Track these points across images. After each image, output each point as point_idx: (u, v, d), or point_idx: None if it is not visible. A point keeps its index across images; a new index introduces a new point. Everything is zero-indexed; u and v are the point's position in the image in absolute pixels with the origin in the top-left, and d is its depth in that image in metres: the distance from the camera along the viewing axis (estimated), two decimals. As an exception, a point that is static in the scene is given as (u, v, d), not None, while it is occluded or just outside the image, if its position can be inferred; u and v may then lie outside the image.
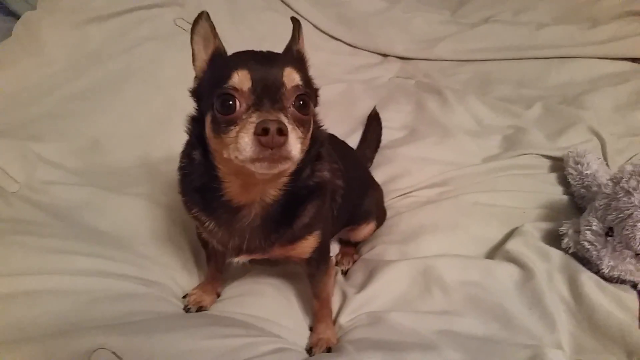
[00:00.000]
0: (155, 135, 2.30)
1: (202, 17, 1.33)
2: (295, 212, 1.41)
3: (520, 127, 2.70)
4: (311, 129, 1.29)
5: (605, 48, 3.33)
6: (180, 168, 1.47)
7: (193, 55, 1.37)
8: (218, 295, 1.83)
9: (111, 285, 1.59)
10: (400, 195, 2.32)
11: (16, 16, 2.37)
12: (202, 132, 1.30)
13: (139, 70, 2.39)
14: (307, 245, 1.50)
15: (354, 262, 2.07)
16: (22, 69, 2.24)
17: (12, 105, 2.15)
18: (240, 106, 1.17)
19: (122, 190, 2.03)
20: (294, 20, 1.44)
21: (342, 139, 2.19)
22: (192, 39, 1.35)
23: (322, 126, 1.45)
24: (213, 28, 1.34)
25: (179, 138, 1.45)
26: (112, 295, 1.55)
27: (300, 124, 1.21)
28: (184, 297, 1.78)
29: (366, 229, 2.05)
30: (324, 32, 3.50)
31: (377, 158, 2.57)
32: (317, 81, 1.39)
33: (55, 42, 2.30)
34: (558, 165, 2.40)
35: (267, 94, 1.17)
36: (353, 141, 2.61)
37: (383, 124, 2.73)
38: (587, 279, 1.69)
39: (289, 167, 1.21)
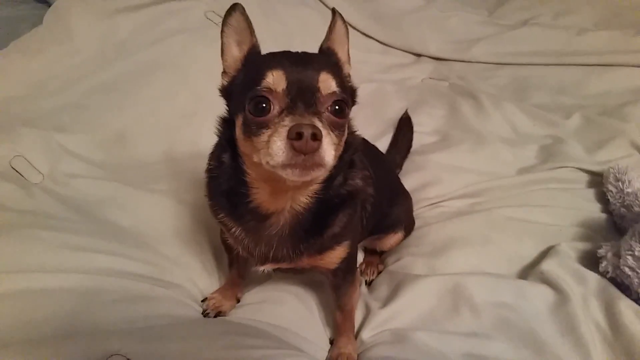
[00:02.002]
0: (181, 130, 2.26)
1: (237, 9, 1.26)
2: (325, 221, 1.36)
3: (558, 138, 2.60)
4: (346, 134, 1.23)
5: (650, 56, 3.17)
6: (208, 170, 1.42)
7: (222, 49, 1.30)
8: (238, 301, 1.79)
9: (129, 286, 1.55)
10: (430, 205, 2.24)
11: (48, 4, 2.34)
12: (232, 134, 1.24)
13: (167, 63, 2.35)
14: (336, 255, 1.44)
15: (379, 272, 2.00)
16: (50, 57, 2.21)
17: (39, 93, 2.13)
18: (273, 109, 1.11)
19: (146, 186, 1.99)
20: (334, 12, 1.35)
21: (372, 142, 2.12)
22: (222, 31, 1.28)
23: (356, 131, 1.38)
24: (249, 24, 1.28)
25: (205, 134, 1.41)
26: (129, 296, 1.51)
27: (335, 128, 1.15)
28: (203, 300, 1.74)
29: (393, 239, 1.99)
30: (355, 29, 3.40)
31: (407, 164, 2.49)
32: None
33: (85, 31, 2.28)
34: (597, 180, 2.30)
35: (302, 97, 1.11)
36: (382, 145, 2.54)
37: (414, 128, 2.65)
38: (626, 307, 1.59)
39: (321, 174, 1.15)
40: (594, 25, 3.55)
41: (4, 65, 2.13)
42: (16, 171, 1.79)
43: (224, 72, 1.32)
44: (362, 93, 1.40)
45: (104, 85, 2.23)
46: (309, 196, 1.30)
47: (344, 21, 1.35)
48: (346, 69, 1.35)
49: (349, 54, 1.38)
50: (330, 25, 1.34)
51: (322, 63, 1.22)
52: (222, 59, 1.31)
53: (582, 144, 2.54)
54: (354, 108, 1.35)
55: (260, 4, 2.90)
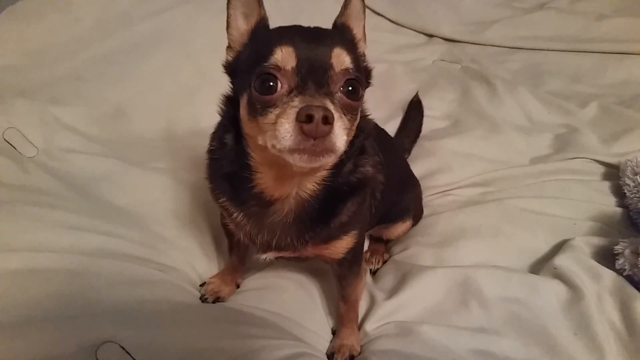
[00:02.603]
0: (182, 106, 2.20)
1: None
2: (333, 210, 1.29)
3: (573, 127, 2.53)
4: (358, 118, 1.16)
5: (671, 45, 3.08)
6: (210, 152, 1.35)
7: (228, 21, 1.22)
8: (237, 286, 1.74)
9: (124, 268, 1.49)
10: (439, 193, 2.18)
11: (46, -31, 2.24)
12: (236, 113, 1.17)
13: (170, 35, 2.27)
14: (342, 245, 1.38)
15: (384, 261, 1.94)
16: (48, 26, 2.14)
17: (36, 63, 2.06)
18: (281, 87, 1.04)
19: (144, 163, 1.93)
20: None
21: (380, 126, 2.04)
22: (229, 1, 1.20)
23: (369, 115, 1.30)
24: None
25: (208, 111, 1.34)
26: (124, 279, 1.46)
27: (348, 111, 1.08)
28: (202, 285, 1.69)
29: (401, 227, 1.92)
30: (365, 6, 3.29)
31: (416, 149, 2.43)
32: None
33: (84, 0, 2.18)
34: (612, 173, 2.23)
35: (313, 75, 1.03)
36: (390, 128, 2.48)
37: (424, 111, 2.56)
38: (643, 307, 1.54)
39: (331, 160, 1.07)
40: (612, 11, 3.45)
41: (-2, 32, 2.04)
42: (9, 144, 1.72)
43: (229, 47, 1.24)
44: (372, 73, 1.31)
45: (103, 57, 2.15)
46: (316, 183, 1.23)
47: None
48: (361, 47, 1.28)
49: (364, 32, 1.30)
50: (346, 2, 1.25)
51: (336, 38, 1.14)
52: (228, 32, 1.23)
53: (598, 134, 2.47)
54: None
55: (268, -23, 2.79)
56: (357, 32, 1.27)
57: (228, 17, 1.21)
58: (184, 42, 2.27)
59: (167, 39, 2.26)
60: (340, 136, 0.99)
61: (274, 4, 2.65)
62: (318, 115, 0.93)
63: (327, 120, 0.94)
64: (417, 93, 2.65)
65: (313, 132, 0.94)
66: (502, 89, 2.75)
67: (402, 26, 3.41)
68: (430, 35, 3.44)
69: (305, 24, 1.22)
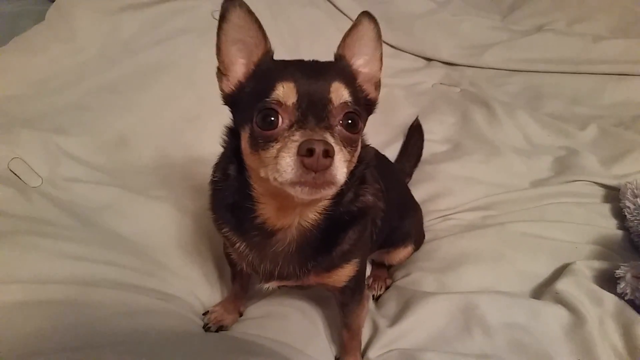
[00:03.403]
0: (184, 133, 2.20)
1: (237, 4, 1.14)
2: (335, 239, 1.30)
3: (573, 149, 2.53)
4: (359, 149, 1.17)
5: (668, 67, 3.10)
6: (213, 182, 1.36)
7: (218, 45, 1.20)
8: (240, 315, 1.75)
9: (129, 299, 1.50)
10: (440, 217, 2.19)
11: (50, 0, 2.29)
12: (239, 145, 1.18)
13: (171, 64, 2.28)
14: (344, 273, 1.38)
15: (387, 287, 1.94)
16: (52, 55, 2.15)
17: (39, 93, 2.06)
18: (282, 122, 1.05)
19: (147, 192, 1.93)
20: (364, 14, 1.26)
21: (380, 151, 2.05)
22: (219, 27, 1.17)
23: (369, 144, 1.32)
24: (260, 27, 1.19)
25: (208, 139, 1.36)
26: (127, 310, 1.46)
27: (348, 143, 1.09)
28: (205, 313, 1.69)
29: (403, 253, 1.93)
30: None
31: (417, 173, 2.44)
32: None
33: (88, 30, 2.22)
34: (613, 195, 2.23)
35: (313, 110, 1.05)
36: (391, 152, 2.49)
37: (425, 136, 2.58)
38: (645, 331, 1.53)
39: (332, 192, 1.08)
40: (610, 33, 3.48)
41: (4, 63, 2.07)
42: (14, 174, 1.73)
43: (219, 71, 1.23)
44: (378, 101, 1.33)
45: (106, 86, 2.16)
46: (317, 213, 1.24)
47: (375, 23, 1.26)
48: (362, 78, 1.26)
49: (381, 58, 1.30)
50: (350, 29, 1.26)
51: (335, 72, 1.15)
52: (218, 57, 1.22)
53: (598, 156, 2.47)
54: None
55: (268, 4, 2.82)
56: (359, 60, 1.27)
57: (218, 41, 1.20)
58: (185, 71, 2.28)
59: (169, 68, 2.27)
60: (340, 168, 1.00)
61: (274, 29, 2.71)
62: (319, 149, 0.95)
63: (328, 154, 0.95)
64: (417, 117, 2.67)
65: (314, 165, 0.95)
66: (501, 112, 2.76)
67: (402, 50, 3.43)
68: (430, 59, 3.46)
69: (305, 50, 1.24)
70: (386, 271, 2.02)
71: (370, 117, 2.19)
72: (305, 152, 0.95)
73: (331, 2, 3.20)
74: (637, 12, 3.59)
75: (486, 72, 3.34)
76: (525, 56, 3.35)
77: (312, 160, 0.95)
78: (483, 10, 3.78)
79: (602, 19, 3.59)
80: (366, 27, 1.25)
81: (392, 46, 3.41)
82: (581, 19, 3.61)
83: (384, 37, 3.38)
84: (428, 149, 2.56)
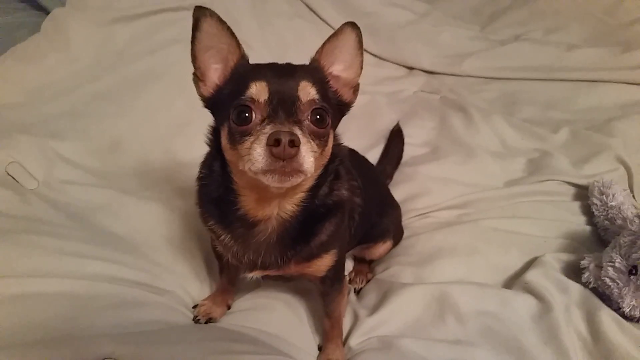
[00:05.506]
0: (175, 138, 2.30)
1: (207, 14, 1.22)
2: (312, 230, 1.39)
3: (545, 151, 2.64)
4: (329, 143, 1.26)
5: (637, 74, 3.22)
6: (199, 178, 1.45)
7: (193, 52, 1.27)
8: (228, 307, 1.82)
9: (123, 292, 1.58)
10: (419, 215, 2.28)
11: (46, 11, 2.37)
12: (220, 142, 1.28)
13: (163, 72, 2.38)
14: (323, 263, 1.48)
15: (368, 281, 2.03)
16: (47, 65, 2.24)
17: (35, 100, 2.15)
18: (255, 117, 1.16)
19: (139, 193, 2.02)
20: (347, 25, 1.33)
21: (362, 154, 2.17)
22: (194, 36, 1.25)
23: (342, 143, 1.42)
24: (232, 34, 1.27)
25: (198, 143, 1.43)
26: (122, 302, 1.54)
27: (316, 137, 1.19)
28: (194, 307, 1.77)
29: (382, 248, 2.02)
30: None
31: (397, 175, 2.53)
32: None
33: (82, 40, 2.31)
34: (582, 193, 2.34)
35: (283, 106, 1.16)
36: (373, 156, 2.58)
37: (405, 139, 2.69)
38: (607, 316, 1.65)
39: (302, 181, 1.18)
40: (583, 42, 3.60)
41: (1, 72, 2.15)
42: (12, 177, 1.81)
43: (195, 76, 1.30)
44: (355, 104, 1.42)
45: (100, 94, 2.26)
46: (295, 204, 1.33)
47: (358, 32, 1.34)
48: (341, 82, 1.36)
49: (360, 64, 1.38)
50: (332, 36, 1.33)
51: (304, 73, 1.25)
52: (194, 63, 1.28)
53: (569, 157, 2.58)
54: (345, 119, 1.39)
55: (255, 16, 2.94)
56: (339, 65, 1.35)
57: (192, 49, 1.26)
58: (176, 79, 2.35)
59: (161, 76, 2.37)
60: (307, 158, 1.10)
61: (261, 40, 2.83)
62: (285, 139, 1.05)
63: (294, 144, 1.06)
64: (398, 122, 2.77)
65: (281, 154, 1.06)
66: (478, 117, 2.87)
67: (385, 60, 3.54)
68: (411, 68, 3.57)
69: (291, 58, 1.33)
70: (367, 266, 2.11)
71: (354, 122, 2.32)
72: (273, 142, 1.06)
73: (315, 13, 3.32)
74: (609, 23, 3.70)
75: (465, 80, 3.44)
76: (502, 64, 3.46)
77: (279, 150, 1.06)
78: (462, 21, 3.89)
79: (576, 29, 3.71)
80: (348, 35, 1.33)
81: (375, 55, 3.52)
82: (556, 29, 3.74)
83: (367, 47, 3.51)
84: (408, 152, 2.66)
